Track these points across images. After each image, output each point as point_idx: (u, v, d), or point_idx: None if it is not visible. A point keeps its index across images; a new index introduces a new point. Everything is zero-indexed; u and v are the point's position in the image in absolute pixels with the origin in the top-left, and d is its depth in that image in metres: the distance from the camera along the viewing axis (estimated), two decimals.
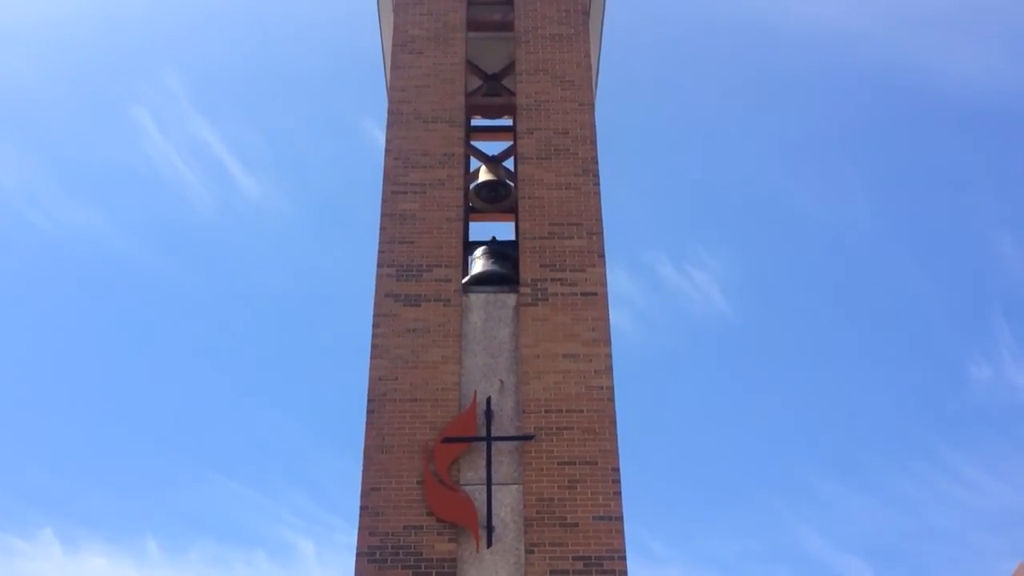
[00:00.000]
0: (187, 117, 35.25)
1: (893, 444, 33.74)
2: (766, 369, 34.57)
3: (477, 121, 14.71)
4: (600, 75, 15.57)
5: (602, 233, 12.40)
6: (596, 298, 11.94)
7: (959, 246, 35.28)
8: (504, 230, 13.84)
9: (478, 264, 12.81)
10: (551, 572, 10.34)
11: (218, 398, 34.76)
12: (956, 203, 35.52)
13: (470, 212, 13.49)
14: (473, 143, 14.20)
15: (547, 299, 11.94)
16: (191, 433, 33.64)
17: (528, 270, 12.15)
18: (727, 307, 34.85)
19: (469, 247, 12.93)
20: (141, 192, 35.41)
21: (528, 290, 12.00)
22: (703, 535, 31.21)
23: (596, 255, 12.25)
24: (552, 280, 12.06)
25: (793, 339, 34.87)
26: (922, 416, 34.17)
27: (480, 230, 13.66)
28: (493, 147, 14.47)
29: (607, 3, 15.02)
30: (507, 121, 14.54)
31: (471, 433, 11.13)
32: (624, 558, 10.44)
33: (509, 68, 14.38)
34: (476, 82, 14.53)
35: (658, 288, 34.28)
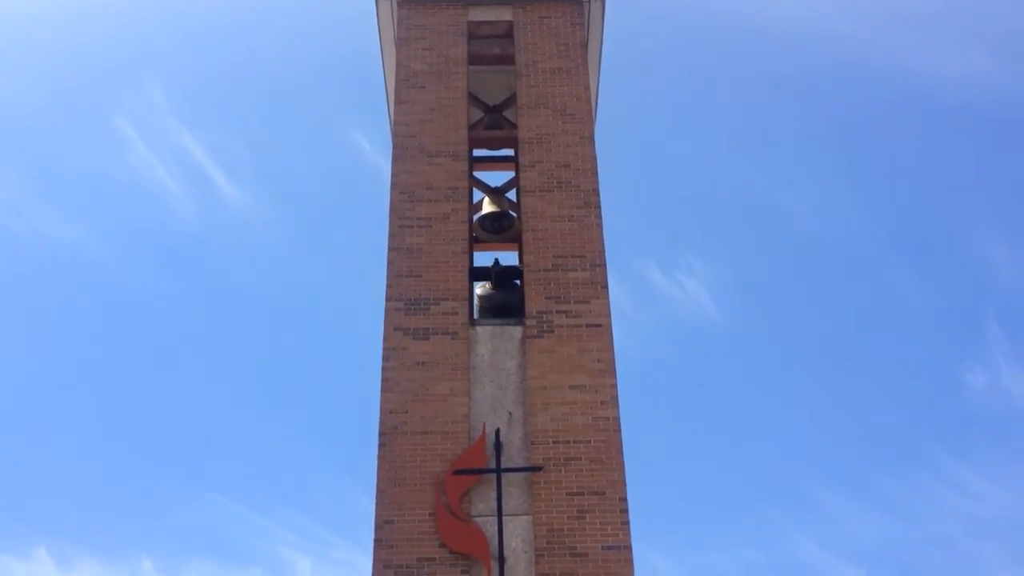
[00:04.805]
0: (169, 127, 35.35)
1: (890, 452, 33.96)
2: (760, 378, 34.81)
3: (479, 152, 14.94)
4: (599, 102, 15.81)
5: (605, 265, 12.66)
6: (601, 329, 12.18)
7: (952, 252, 35.52)
8: (508, 259, 14.05)
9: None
10: None
11: (210, 414, 34.78)
12: (949, 208, 35.79)
13: (474, 243, 13.72)
14: (476, 174, 14.43)
15: (552, 331, 12.18)
16: (184, 451, 33.67)
17: (533, 302, 12.39)
18: (718, 315, 35.09)
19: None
20: (124, 203, 35.45)
21: (534, 322, 12.24)
22: (702, 546, 31.38)
23: (600, 286, 12.49)
24: (557, 312, 12.30)
25: (787, 348, 35.08)
26: (919, 424, 34.40)
27: (484, 260, 13.88)
28: (495, 177, 14.73)
29: (605, 34, 15.29)
30: (509, 152, 14.77)
31: (481, 465, 11.37)
32: None
33: (510, 100, 14.62)
34: (477, 114, 14.77)
35: (649, 297, 34.46)
